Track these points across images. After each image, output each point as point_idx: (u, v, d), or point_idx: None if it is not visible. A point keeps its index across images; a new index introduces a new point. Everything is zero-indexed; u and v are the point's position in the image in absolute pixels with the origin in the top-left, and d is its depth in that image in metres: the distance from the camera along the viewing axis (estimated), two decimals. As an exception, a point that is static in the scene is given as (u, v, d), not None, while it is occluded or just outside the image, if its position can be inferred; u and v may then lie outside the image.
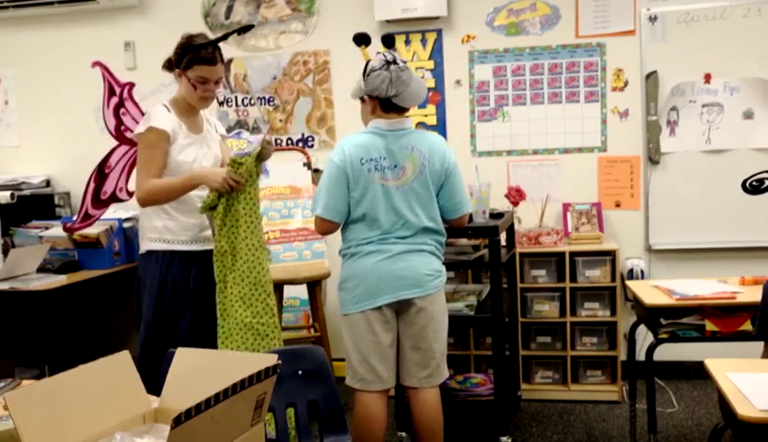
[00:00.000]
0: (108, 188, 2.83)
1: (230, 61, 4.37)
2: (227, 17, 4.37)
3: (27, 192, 4.35)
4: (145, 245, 2.74)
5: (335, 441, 2.12)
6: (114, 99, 2.69)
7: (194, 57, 2.61)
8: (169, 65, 2.71)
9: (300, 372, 2.15)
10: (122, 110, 2.67)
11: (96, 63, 2.74)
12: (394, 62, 2.52)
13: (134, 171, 2.68)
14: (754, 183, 2.41)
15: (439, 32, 4.16)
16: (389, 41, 2.62)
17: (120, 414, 1.42)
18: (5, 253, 3.61)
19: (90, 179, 2.87)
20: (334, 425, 2.15)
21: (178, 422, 1.10)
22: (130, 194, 2.89)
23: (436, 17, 4.10)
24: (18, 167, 4.64)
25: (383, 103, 2.55)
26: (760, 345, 2.60)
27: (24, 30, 4.62)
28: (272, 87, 4.34)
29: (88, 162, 4.61)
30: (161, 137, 2.61)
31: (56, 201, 4.48)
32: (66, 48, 4.57)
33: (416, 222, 2.54)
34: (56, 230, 3.97)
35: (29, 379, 2.13)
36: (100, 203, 2.91)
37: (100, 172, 2.80)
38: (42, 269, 3.71)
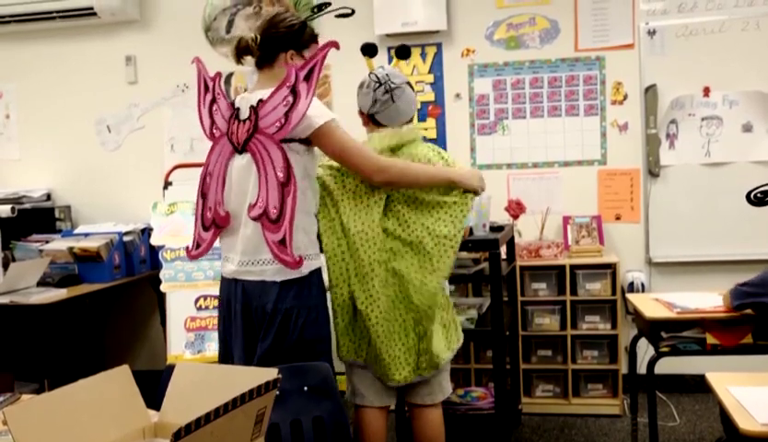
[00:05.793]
0: (210, 203, 2.29)
1: (230, 75, 4.38)
2: (228, 31, 4.38)
3: (27, 206, 4.35)
4: (305, 266, 2.21)
5: (340, 458, 2.10)
6: (209, 97, 2.31)
7: (312, 35, 2.45)
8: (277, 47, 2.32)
9: (306, 388, 2.12)
10: (215, 108, 2.29)
11: (195, 60, 2.34)
12: (383, 81, 2.52)
13: (350, 153, 2.28)
14: (759, 195, 2.40)
15: (439, 46, 4.18)
16: (403, 53, 2.72)
17: (119, 429, 1.42)
18: (6, 267, 3.60)
19: (197, 202, 2.37)
20: (340, 442, 2.12)
21: (177, 436, 1.09)
22: (226, 213, 2.30)
23: (436, 31, 4.12)
24: (19, 180, 4.65)
25: (370, 118, 2.58)
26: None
27: (25, 45, 4.64)
28: (272, 101, 4.35)
29: (89, 176, 4.71)
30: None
31: (57, 214, 4.49)
32: (68, 62, 4.60)
33: None
34: (56, 244, 3.96)
35: (28, 393, 2.12)
36: (205, 226, 2.34)
37: (202, 194, 2.33)
38: (42, 282, 3.70)
